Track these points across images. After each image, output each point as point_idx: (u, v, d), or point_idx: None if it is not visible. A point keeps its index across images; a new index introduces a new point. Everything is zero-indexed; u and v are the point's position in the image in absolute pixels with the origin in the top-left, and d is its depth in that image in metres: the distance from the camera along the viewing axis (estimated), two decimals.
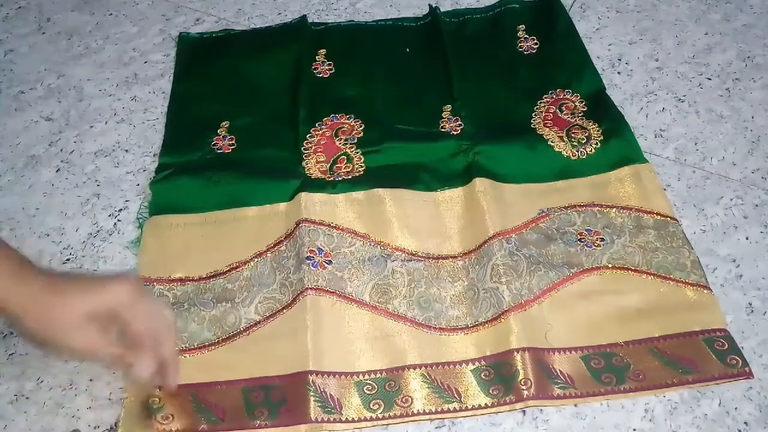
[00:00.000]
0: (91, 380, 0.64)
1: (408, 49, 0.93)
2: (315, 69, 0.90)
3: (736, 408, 0.60)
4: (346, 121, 0.83)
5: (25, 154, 0.83)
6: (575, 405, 0.61)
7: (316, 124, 0.83)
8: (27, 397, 0.63)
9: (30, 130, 0.86)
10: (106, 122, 0.87)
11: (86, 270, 0.72)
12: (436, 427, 0.61)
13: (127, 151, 0.83)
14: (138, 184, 0.79)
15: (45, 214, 0.77)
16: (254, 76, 0.90)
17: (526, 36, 0.93)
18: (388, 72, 0.90)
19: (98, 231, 0.75)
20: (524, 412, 0.61)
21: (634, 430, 0.60)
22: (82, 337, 0.53)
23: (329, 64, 0.91)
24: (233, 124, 0.84)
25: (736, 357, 0.62)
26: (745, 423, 0.60)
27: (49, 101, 0.89)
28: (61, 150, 0.84)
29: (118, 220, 0.76)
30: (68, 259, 0.73)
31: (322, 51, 0.92)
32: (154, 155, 0.82)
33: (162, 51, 0.95)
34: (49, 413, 0.62)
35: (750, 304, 0.67)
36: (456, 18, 0.96)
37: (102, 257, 0.73)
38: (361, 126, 0.83)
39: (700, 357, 0.62)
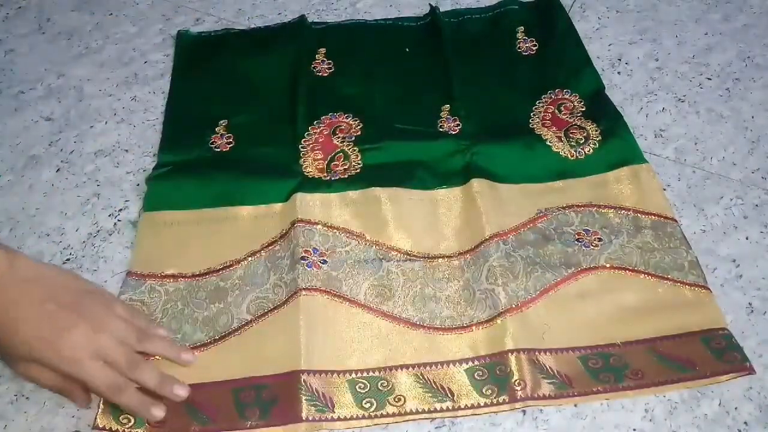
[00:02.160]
0: None
1: (408, 49, 0.93)
2: (314, 68, 0.90)
3: (736, 408, 0.60)
4: (345, 119, 0.84)
5: (25, 154, 0.83)
6: (575, 405, 0.61)
7: (315, 122, 0.83)
8: (27, 397, 0.63)
9: (30, 130, 0.86)
10: (106, 122, 0.87)
11: (87, 269, 0.72)
12: (435, 427, 0.61)
13: (127, 151, 0.83)
14: (138, 184, 0.79)
15: (45, 214, 0.77)
16: (253, 74, 0.90)
17: (525, 37, 0.93)
18: (388, 71, 0.90)
19: (98, 231, 0.75)
20: (524, 411, 0.61)
21: (634, 430, 0.60)
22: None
23: (329, 63, 0.91)
24: (232, 123, 0.84)
25: (736, 353, 0.62)
26: (746, 423, 0.60)
27: (49, 101, 0.89)
28: (61, 150, 0.84)
29: (118, 220, 0.76)
30: (68, 259, 0.73)
31: (322, 50, 0.92)
32: (154, 155, 0.82)
33: (162, 51, 0.95)
34: (49, 413, 0.62)
35: (750, 304, 0.67)
36: (455, 18, 0.97)
37: (102, 257, 0.73)
38: (359, 125, 0.83)
39: (698, 356, 0.62)
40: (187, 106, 0.87)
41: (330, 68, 0.91)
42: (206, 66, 0.91)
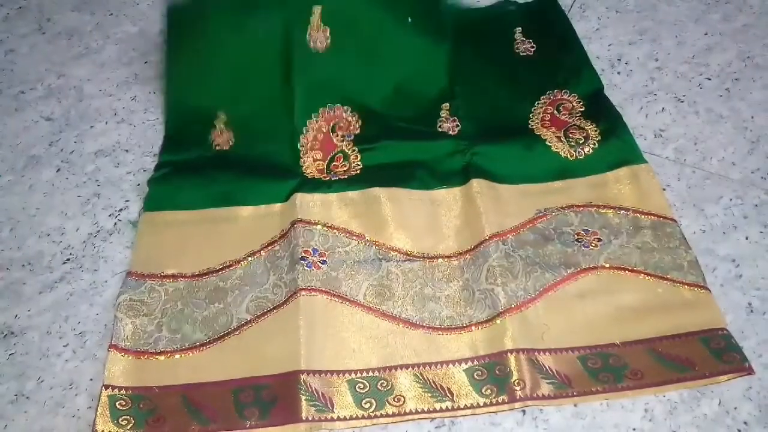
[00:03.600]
0: (91, 380, 0.64)
1: (410, 19, 0.87)
2: (309, 37, 0.83)
3: (735, 407, 0.60)
4: (343, 114, 0.83)
5: (25, 154, 0.83)
6: (575, 405, 0.61)
7: (312, 116, 0.82)
8: (27, 397, 0.63)
9: (30, 130, 0.86)
10: (106, 122, 0.87)
11: (87, 269, 0.72)
12: (435, 427, 0.61)
13: (127, 151, 0.83)
14: (138, 184, 0.79)
15: (45, 214, 0.77)
16: (246, 49, 0.83)
17: (523, 38, 0.93)
18: (387, 49, 0.85)
19: (98, 231, 0.75)
20: (524, 411, 0.61)
21: (634, 429, 0.60)
22: None
23: (324, 32, 0.83)
24: (231, 116, 0.83)
25: (735, 354, 0.62)
26: (745, 423, 0.60)
27: (49, 101, 0.89)
28: (62, 150, 0.84)
29: (119, 220, 0.76)
30: (68, 259, 0.73)
31: (317, 8, 0.83)
32: (154, 155, 0.82)
33: (162, 51, 0.95)
34: (49, 413, 0.62)
35: (750, 303, 0.67)
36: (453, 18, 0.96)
37: (102, 257, 0.73)
38: (358, 122, 0.83)
39: (697, 356, 0.62)
40: (185, 99, 0.85)
41: (327, 38, 0.84)
42: (197, 45, 0.86)
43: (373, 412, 0.60)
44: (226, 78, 0.84)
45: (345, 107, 0.83)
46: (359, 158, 0.79)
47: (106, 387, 0.62)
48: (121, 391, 0.61)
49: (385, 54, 0.85)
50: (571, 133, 0.80)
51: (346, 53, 0.84)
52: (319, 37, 0.83)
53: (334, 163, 0.79)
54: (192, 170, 0.78)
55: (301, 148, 0.80)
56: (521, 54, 0.91)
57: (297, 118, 0.82)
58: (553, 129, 0.81)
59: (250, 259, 0.71)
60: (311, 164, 0.79)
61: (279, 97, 0.83)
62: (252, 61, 0.84)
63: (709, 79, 0.88)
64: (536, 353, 0.63)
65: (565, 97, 0.85)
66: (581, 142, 0.79)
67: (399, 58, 0.86)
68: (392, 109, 0.84)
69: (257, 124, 0.83)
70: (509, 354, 0.62)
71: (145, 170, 0.81)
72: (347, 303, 0.67)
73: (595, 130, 0.80)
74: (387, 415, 0.60)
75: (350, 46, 0.84)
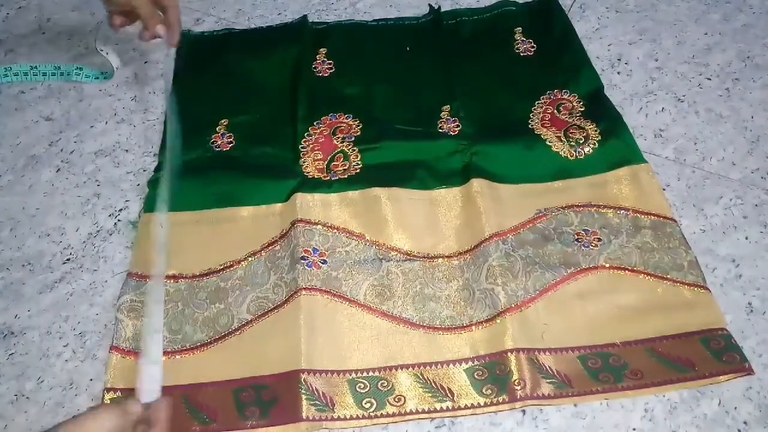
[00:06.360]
0: (91, 380, 0.64)
1: (408, 48, 0.93)
2: (315, 68, 0.90)
3: (735, 407, 0.60)
4: (345, 120, 0.84)
5: (25, 154, 0.83)
6: (575, 405, 0.61)
7: (315, 123, 0.83)
8: (27, 397, 0.63)
9: (30, 130, 0.86)
10: (106, 122, 0.87)
11: (87, 269, 0.72)
12: (436, 427, 0.61)
13: (127, 151, 0.83)
14: (138, 184, 0.79)
15: (45, 214, 0.77)
16: (254, 74, 0.90)
17: (523, 38, 0.93)
18: (388, 71, 0.90)
19: (98, 231, 0.75)
20: (524, 411, 0.61)
21: (634, 429, 0.60)
22: None
23: (329, 63, 0.91)
24: (232, 122, 0.84)
25: (734, 354, 0.62)
26: (745, 423, 0.60)
27: (49, 101, 0.89)
28: (62, 150, 0.84)
29: (119, 220, 0.76)
30: (68, 259, 0.73)
31: (323, 50, 0.93)
32: (154, 155, 0.82)
33: (162, 51, 0.95)
34: (49, 413, 0.62)
35: (750, 303, 0.67)
36: (453, 19, 0.97)
37: (102, 257, 0.73)
38: (359, 125, 0.83)
39: (697, 356, 0.62)
40: (188, 107, 0.86)
41: (330, 68, 0.91)
42: (208, 66, 0.91)
43: (373, 412, 0.60)
44: (232, 95, 0.88)
45: (346, 114, 0.84)
46: (359, 158, 0.79)
47: (108, 390, 0.62)
48: (123, 393, 0.61)
49: (386, 75, 0.90)
50: (571, 133, 0.80)
51: (349, 76, 0.90)
52: (324, 68, 0.90)
53: (334, 162, 0.79)
54: (192, 171, 0.78)
55: (301, 150, 0.80)
56: (521, 54, 0.92)
57: (299, 125, 0.83)
58: (554, 129, 0.81)
59: (250, 259, 0.71)
60: (311, 164, 0.79)
61: (283, 110, 0.86)
62: (260, 82, 0.89)
63: (709, 79, 0.88)
64: (536, 353, 0.63)
65: (565, 97, 0.85)
66: (581, 142, 0.79)
67: (400, 74, 0.90)
68: (393, 114, 0.84)
69: (259, 129, 0.84)
70: (509, 354, 0.62)
71: (145, 170, 0.81)
72: (347, 303, 0.67)
73: (595, 130, 0.80)
74: (387, 415, 0.60)
75: (352, 73, 0.90)
